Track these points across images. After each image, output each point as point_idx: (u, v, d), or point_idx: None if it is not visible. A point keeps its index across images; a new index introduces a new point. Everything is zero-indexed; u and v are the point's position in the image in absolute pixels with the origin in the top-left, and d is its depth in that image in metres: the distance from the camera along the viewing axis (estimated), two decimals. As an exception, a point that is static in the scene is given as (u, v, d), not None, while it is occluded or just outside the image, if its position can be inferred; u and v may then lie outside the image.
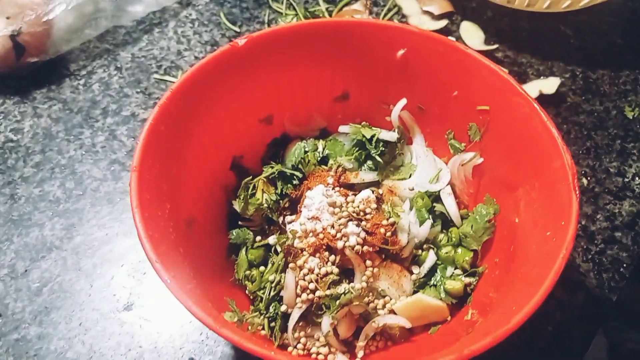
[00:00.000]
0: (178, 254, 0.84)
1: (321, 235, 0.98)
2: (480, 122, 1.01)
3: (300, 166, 1.08)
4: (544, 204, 0.86)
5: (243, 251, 1.07)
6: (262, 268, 1.03)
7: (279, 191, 1.07)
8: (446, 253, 1.03)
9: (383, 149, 1.07)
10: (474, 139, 1.04)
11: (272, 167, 1.09)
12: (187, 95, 0.93)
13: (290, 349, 0.90)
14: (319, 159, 1.09)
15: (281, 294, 0.96)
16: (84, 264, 1.09)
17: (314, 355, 0.89)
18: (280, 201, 1.08)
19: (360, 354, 0.89)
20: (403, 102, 1.09)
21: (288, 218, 1.08)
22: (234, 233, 1.06)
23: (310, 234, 0.99)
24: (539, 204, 0.88)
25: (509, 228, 0.96)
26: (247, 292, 1.02)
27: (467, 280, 0.99)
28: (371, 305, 0.95)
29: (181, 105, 0.93)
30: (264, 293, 1.00)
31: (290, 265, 0.96)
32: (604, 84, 1.41)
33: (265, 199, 1.05)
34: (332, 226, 0.96)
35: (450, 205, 1.05)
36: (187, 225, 0.94)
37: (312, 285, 0.94)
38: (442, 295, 0.98)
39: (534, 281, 0.74)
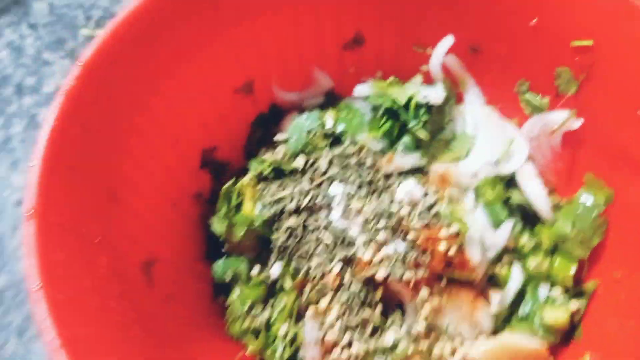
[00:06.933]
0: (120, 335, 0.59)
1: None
2: (577, 66, 0.75)
3: (304, 154, 0.82)
4: None
5: (236, 290, 0.80)
6: (267, 313, 0.79)
7: (277, 197, 0.79)
8: (536, 266, 0.78)
9: (426, 117, 0.80)
10: (566, 92, 0.77)
11: (263, 162, 0.82)
12: (113, 68, 0.65)
13: None
14: (330, 140, 0.83)
15: (300, 356, 0.74)
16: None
17: None
18: (281, 211, 0.79)
19: None
20: (448, 41, 0.83)
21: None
22: (219, 266, 0.81)
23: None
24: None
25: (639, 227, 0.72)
26: (248, 353, 0.79)
27: (573, 305, 0.76)
28: (435, 352, 0.73)
29: (105, 87, 0.64)
30: (274, 355, 0.75)
31: (311, 311, 0.72)
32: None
33: (260, 214, 0.78)
34: (367, 243, 0.73)
35: (535, 192, 0.80)
36: (143, 273, 0.70)
37: (346, 338, 0.71)
38: (540, 331, 0.75)
39: None
